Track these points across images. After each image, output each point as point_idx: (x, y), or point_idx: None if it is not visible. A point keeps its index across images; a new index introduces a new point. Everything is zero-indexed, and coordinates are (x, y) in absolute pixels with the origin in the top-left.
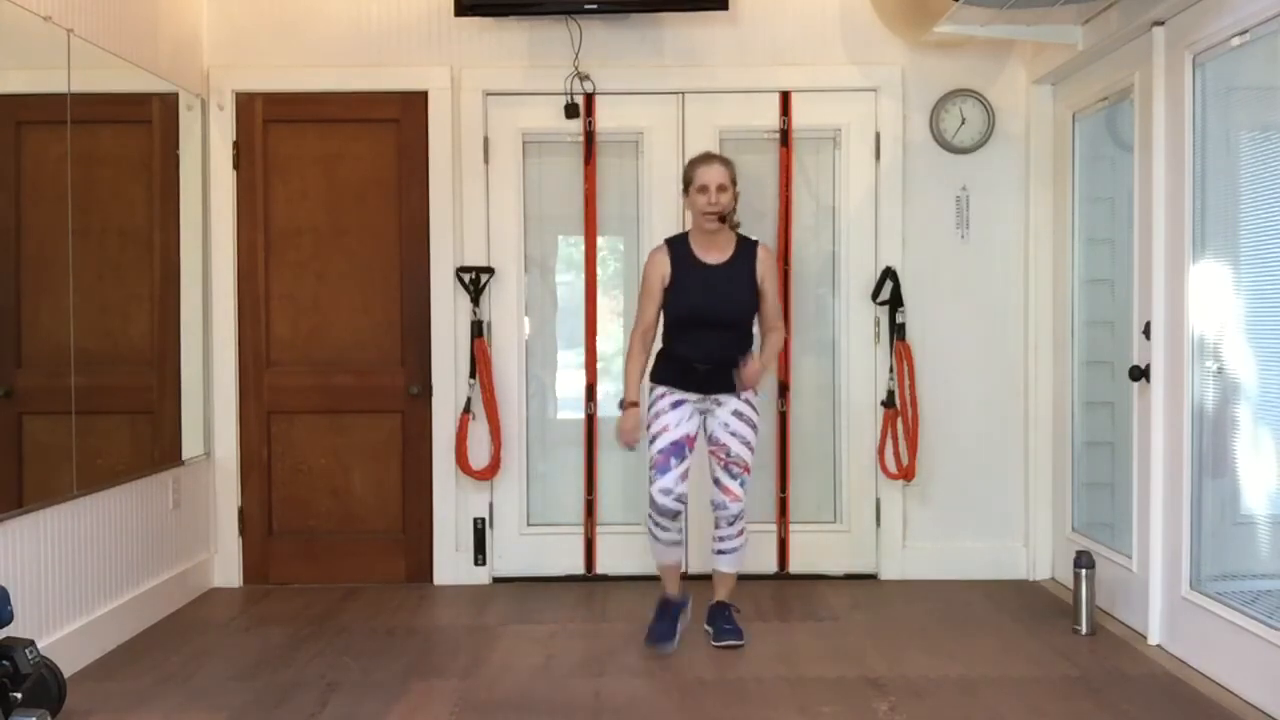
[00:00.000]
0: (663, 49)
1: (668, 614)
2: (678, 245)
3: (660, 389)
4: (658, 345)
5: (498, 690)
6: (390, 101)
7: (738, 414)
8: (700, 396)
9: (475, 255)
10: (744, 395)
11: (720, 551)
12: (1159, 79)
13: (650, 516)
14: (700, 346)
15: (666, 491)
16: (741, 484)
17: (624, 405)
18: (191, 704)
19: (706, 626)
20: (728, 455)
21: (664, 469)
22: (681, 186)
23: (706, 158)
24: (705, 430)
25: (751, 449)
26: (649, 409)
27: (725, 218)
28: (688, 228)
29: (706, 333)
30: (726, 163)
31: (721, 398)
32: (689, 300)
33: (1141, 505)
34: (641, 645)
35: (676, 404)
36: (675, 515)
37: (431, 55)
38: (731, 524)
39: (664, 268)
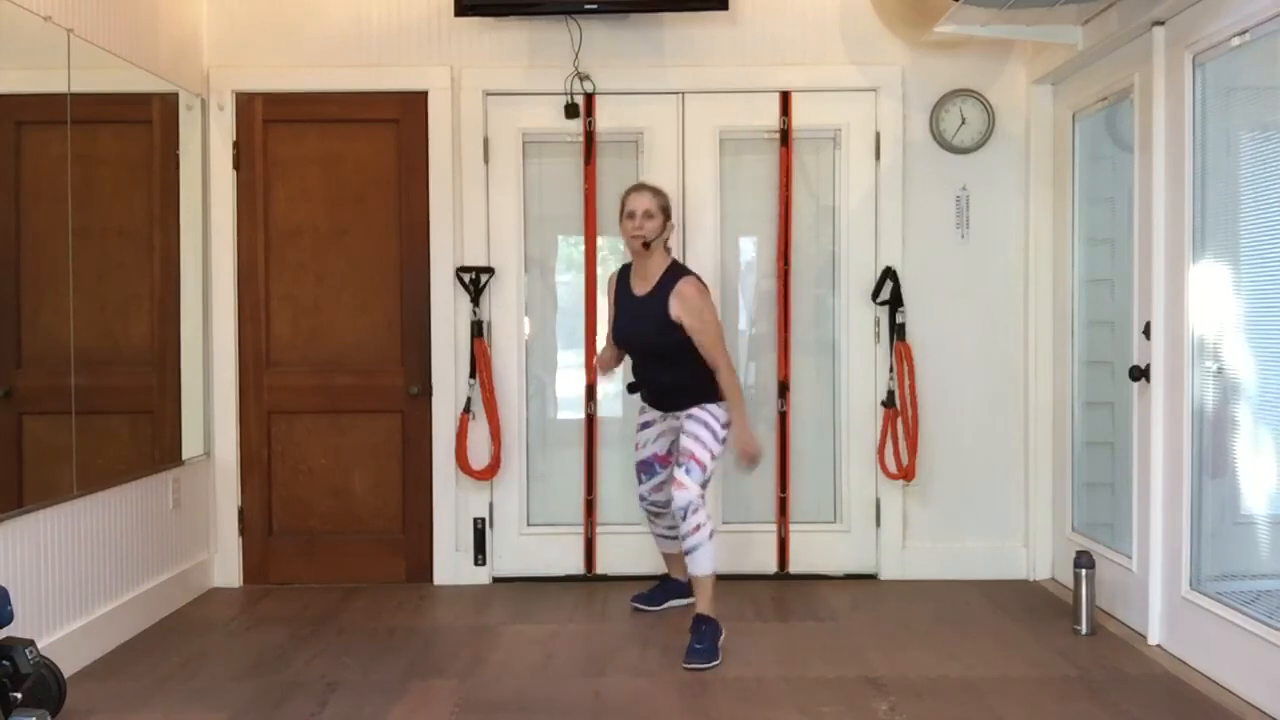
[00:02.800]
0: (663, 49)
1: (661, 586)
2: (623, 272)
3: (641, 404)
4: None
5: (498, 690)
6: (390, 102)
7: (690, 416)
8: (663, 414)
9: (475, 255)
10: (701, 406)
11: (685, 551)
12: (1159, 79)
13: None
14: (641, 371)
15: (641, 498)
16: (688, 472)
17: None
18: (191, 704)
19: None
20: (677, 450)
21: (638, 480)
22: (619, 213)
23: (637, 187)
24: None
25: (702, 444)
26: (639, 414)
27: (649, 245)
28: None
29: (640, 359)
30: (657, 192)
31: (679, 414)
32: (619, 331)
33: (1141, 505)
34: (642, 645)
35: (646, 424)
36: (657, 515)
37: (431, 55)
38: (684, 518)
39: (611, 293)
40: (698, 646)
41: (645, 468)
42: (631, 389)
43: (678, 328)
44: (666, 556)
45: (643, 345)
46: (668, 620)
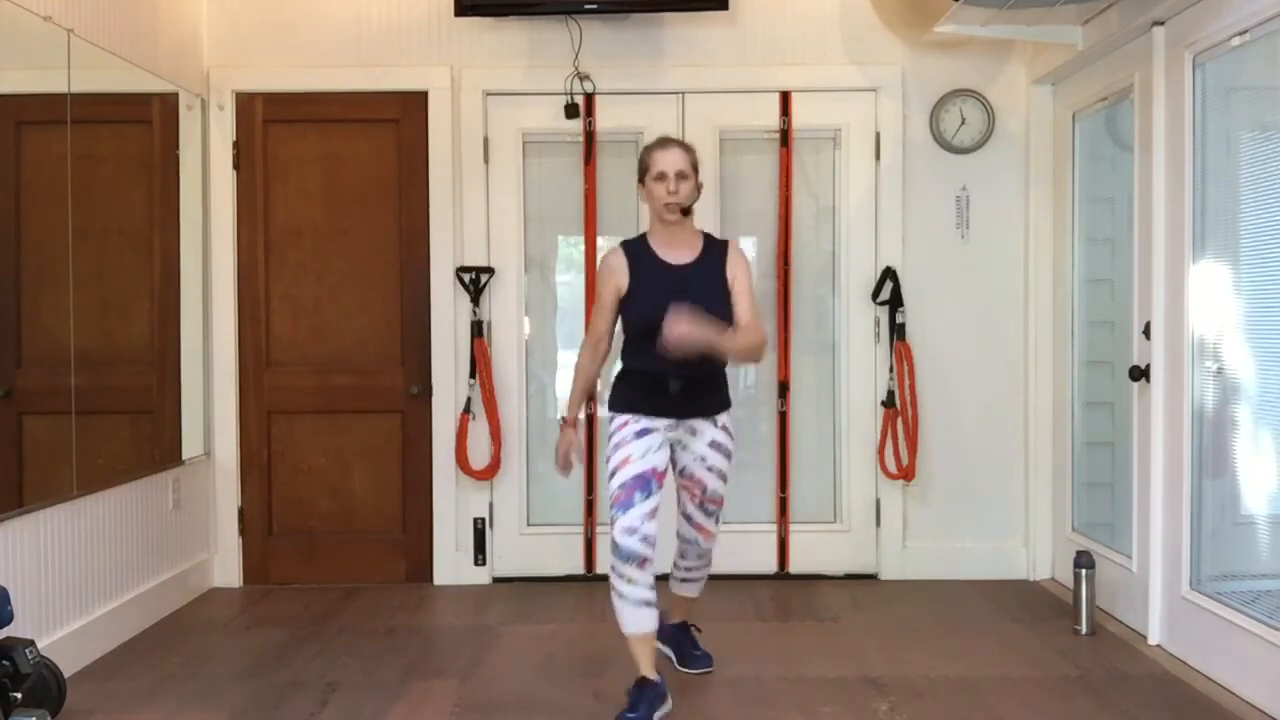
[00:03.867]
0: (663, 49)
1: (643, 699)
2: (635, 247)
3: (622, 417)
4: (618, 367)
5: (498, 690)
6: (390, 102)
7: (715, 445)
8: (673, 422)
9: (475, 255)
10: (721, 422)
11: (685, 580)
12: (1159, 79)
13: (613, 568)
14: (672, 363)
15: (630, 530)
16: (716, 521)
17: (562, 423)
18: (191, 704)
19: (665, 649)
20: (704, 493)
21: (626, 505)
22: (637, 177)
23: (664, 141)
24: (675, 463)
25: (727, 481)
26: (609, 439)
27: (687, 210)
28: (644, 229)
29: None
30: (687, 148)
31: (698, 424)
32: (654, 306)
33: (1141, 505)
34: None
35: (642, 433)
36: (643, 562)
37: (431, 55)
38: (701, 557)
39: (620, 277)
40: (696, 653)
41: (640, 484)
42: (635, 397)
43: (727, 297)
44: (637, 643)
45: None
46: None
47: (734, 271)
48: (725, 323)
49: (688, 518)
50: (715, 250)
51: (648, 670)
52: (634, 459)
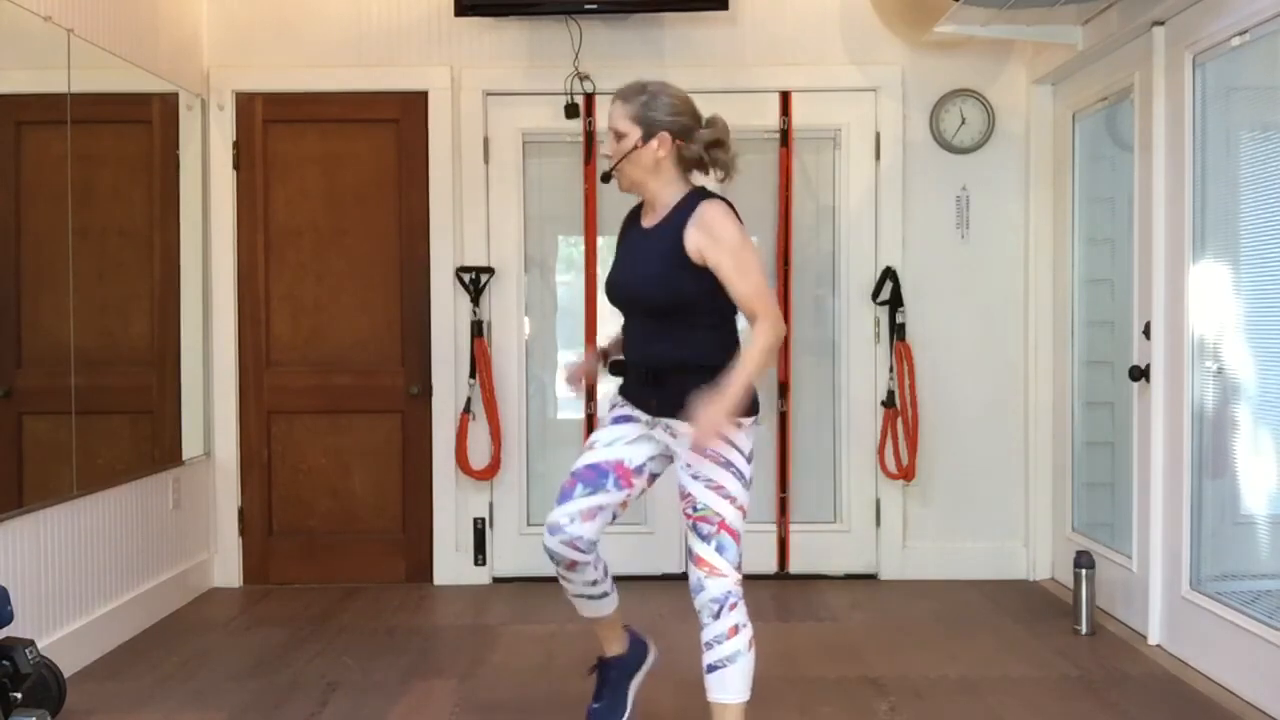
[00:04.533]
0: (663, 49)
1: (603, 679)
2: (634, 212)
3: (615, 398)
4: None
5: (498, 690)
6: (390, 102)
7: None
8: (650, 419)
9: (475, 255)
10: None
11: (710, 667)
12: (1159, 79)
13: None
14: (632, 341)
15: (553, 528)
16: (718, 549)
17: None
18: (191, 704)
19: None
20: (694, 509)
21: (562, 496)
22: None
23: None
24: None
25: (729, 498)
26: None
27: (610, 177)
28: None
29: (631, 323)
30: (629, 98)
31: (674, 424)
32: (610, 278)
33: (1141, 505)
34: None
35: (620, 420)
36: (571, 565)
37: (431, 55)
38: (717, 616)
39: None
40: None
41: (590, 476)
42: (616, 369)
43: (694, 270)
44: (597, 624)
45: (632, 292)
46: (667, 620)
47: (697, 241)
48: (663, 297)
49: (691, 555)
50: (679, 216)
51: (606, 649)
52: (597, 445)
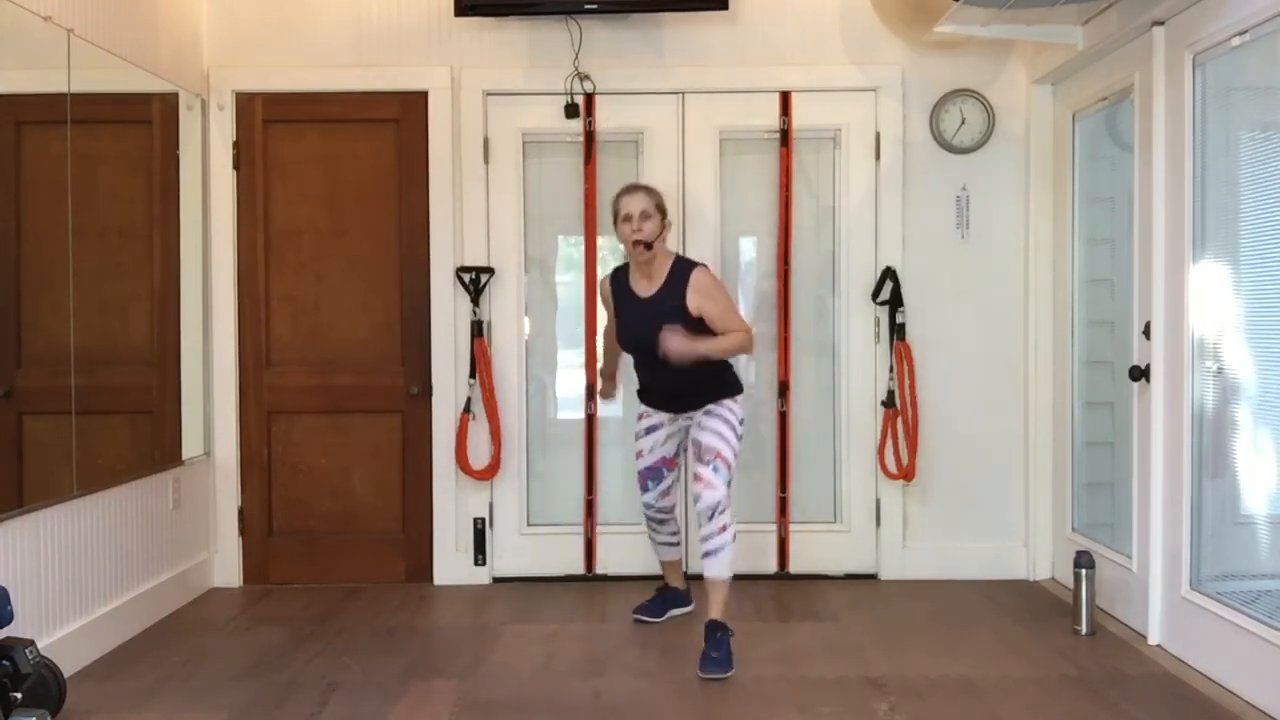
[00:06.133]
0: (663, 49)
1: (660, 597)
2: (619, 276)
3: (641, 409)
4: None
5: (498, 690)
6: (390, 102)
7: (710, 413)
8: (673, 416)
9: (475, 255)
10: (716, 407)
11: (705, 553)
12: (1159, 79)
13: (645, 519)
14: (654, 375)
15: (647, 505)
16: (715, 470)
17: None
18: (191, 704)
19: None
20: (700, 447)
21: (643, 489)
22: (612, 221)
23: (629, 188)
24: (689, 440)
25: (726, 441)
26: (637, 419)
27: (652, 245)
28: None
29: (653, 362)
30: (650, 191)
31: (694, 414)
32: (625, 334)
33: (1141, 505)
34: (641, 646)
35: (651, 429)
36: (662, 522)
37: (431, 55)
38: (711, 518)
39: (609, 303)
40: (714, 655)
41: (652, 474)
42: (643, 394)
43: (694, 322)
44: (666, 565)
45: (657, 348)
46: (671, 619)
47: (697, 302)
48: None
49: (694, 476)
50: (677, 281)
51: (671, 580)
52: (645, 453)
